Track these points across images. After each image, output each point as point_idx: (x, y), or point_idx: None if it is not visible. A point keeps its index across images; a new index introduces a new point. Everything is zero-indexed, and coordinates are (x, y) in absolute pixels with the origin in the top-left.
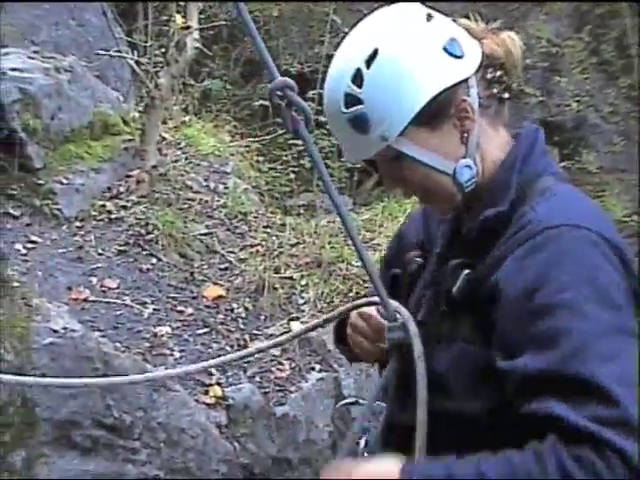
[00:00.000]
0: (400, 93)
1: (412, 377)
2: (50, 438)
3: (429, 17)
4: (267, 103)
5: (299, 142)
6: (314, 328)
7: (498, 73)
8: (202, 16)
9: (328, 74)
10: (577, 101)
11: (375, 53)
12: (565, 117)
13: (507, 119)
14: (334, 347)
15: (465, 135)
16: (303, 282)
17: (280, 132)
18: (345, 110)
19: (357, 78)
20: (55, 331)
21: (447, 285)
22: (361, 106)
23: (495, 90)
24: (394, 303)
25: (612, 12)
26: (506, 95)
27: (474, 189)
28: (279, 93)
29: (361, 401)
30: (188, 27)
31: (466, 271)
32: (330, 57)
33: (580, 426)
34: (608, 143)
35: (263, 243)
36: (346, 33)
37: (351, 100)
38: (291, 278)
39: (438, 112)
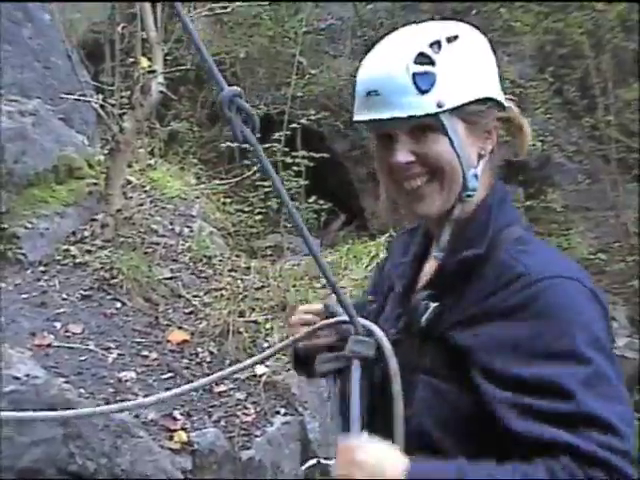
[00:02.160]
0: (468, 75)
1: (375, 395)
2: None
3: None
4: (234, 145)
5: (266, 183)
6: (285, 347)
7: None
8: (168, 58)
9: (390, 38)
10: (541, 141)
11: (456, 37)
12: (530, 156)
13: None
14: (296, 375)
15: (482, 153)
16: (268, 325)
17: (247, 174)
18: (414, 65)
19: (435, 45)
20: (17, 378)
21: (415, 315)
22: (432, 67)
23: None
24: (365, 321)
25: (575, 52)
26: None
27: (462, 211)
28: (229, 103)
29: (323, 461)
30: (153, 71)
31: (435, 304)
32: (296, 98)
33: (591, 451)
34: (572, 182)
35: (228, 287)
36: (312, 74)
37: (423, 59)
38: (256, 322)
39: (479, 115)
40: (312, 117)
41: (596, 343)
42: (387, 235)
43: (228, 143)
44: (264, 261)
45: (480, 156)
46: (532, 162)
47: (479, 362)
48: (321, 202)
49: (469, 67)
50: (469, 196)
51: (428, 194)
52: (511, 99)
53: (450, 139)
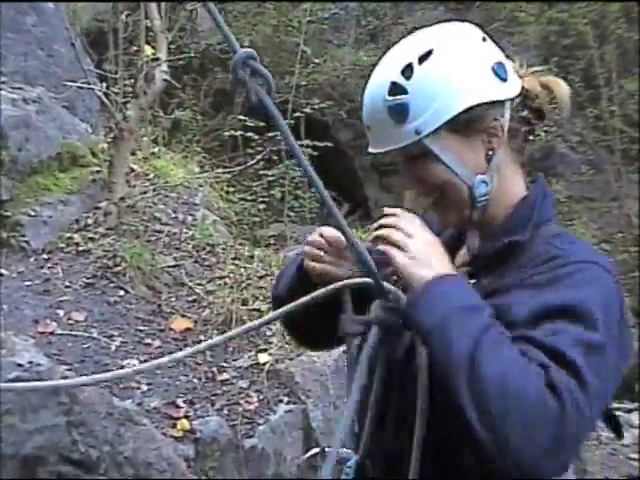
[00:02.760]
0: (442, 94)
1: (395, 374)
2: (15, 474)
3: (484, 39)
4: (237, 134)
5: (269, 172)
6: (298, 305)
7: (529, 114)
8: (172, 46)
9: (380, 63)
10: (545, 131)
11: (430, 53)
12: (534, 147)
13: (526, 162)
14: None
15: (490, 153)
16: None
17: (250, 163)
18: (388, 97)
19: (407, 70)
20: (20, 365)
21: None
22: (405, 96)
23: (523, 128)
24: (391, 287)
25: (579, 43)
26: (530, 137)
27: (488, 212)
28: (242, 65)
29: (327, 449)
30: (157, 59)
31: (473, 281)
32: (299, 87)
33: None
34: (576, 172)
35: (231, 275)
36: (316, 64)
37: (396, 89)
38: (259, 310)
39: (471, 123)
40: (316, 106)
41: (610, 327)
42: None
43: (232, 132)
44: (267, 250)
45: (489, 157)
46: (536, 152)
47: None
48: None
49: (445, 83)
50: (482, 202)
51: (440, 210)
52: (537, 70)
53: (440, 160)
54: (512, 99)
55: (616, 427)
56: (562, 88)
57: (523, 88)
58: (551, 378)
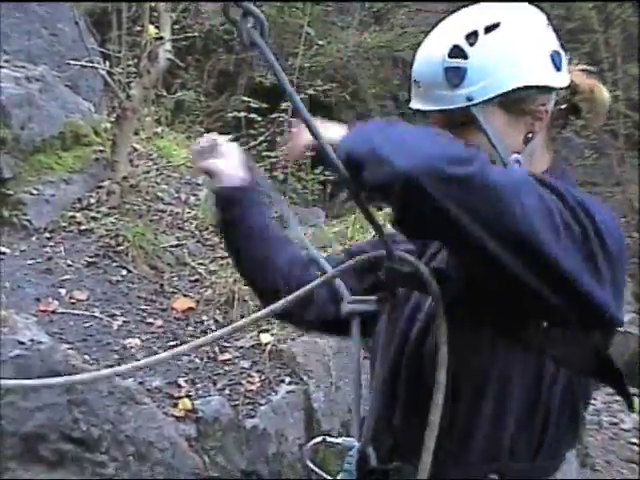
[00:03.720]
0: (501, 67)
1: (405, 354)
2: (16, 452)
3: (548, 25)
4: (240, 115)
5: (272, 154)
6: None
7: (568, 108)
8: (176, 27)
9: (440, 25)
10: None
11: (497, 25)
12: None
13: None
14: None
15: (530, 136)
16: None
17: (253, 144)
18: (447, 59)
19: (472, 36)
20: (22, 343)
21: None
22: (465, 61)
23: (561, 120)
24: (401, 253)
25: (584, 27)
26: (563, 131)
27: None
28: (234, 6)
29: (328, 439)
30: (161, 38)
31: None
32: (303, 69)
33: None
34: (580, 156)
35: None
36: (320, 45)
37: (457, 52)
38: None
39: (520, 102)
40: (319, 88)
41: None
42: None
43: (235, 113)
44: None
45: (528, 139)
46: None
47: None
48: (327, 173)
49: (505, 58)
50: None
51: None
52: (586, 69)
53: (484, 130)
54: (561, 89)
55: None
56: (604, 95)
57: (572, 82)
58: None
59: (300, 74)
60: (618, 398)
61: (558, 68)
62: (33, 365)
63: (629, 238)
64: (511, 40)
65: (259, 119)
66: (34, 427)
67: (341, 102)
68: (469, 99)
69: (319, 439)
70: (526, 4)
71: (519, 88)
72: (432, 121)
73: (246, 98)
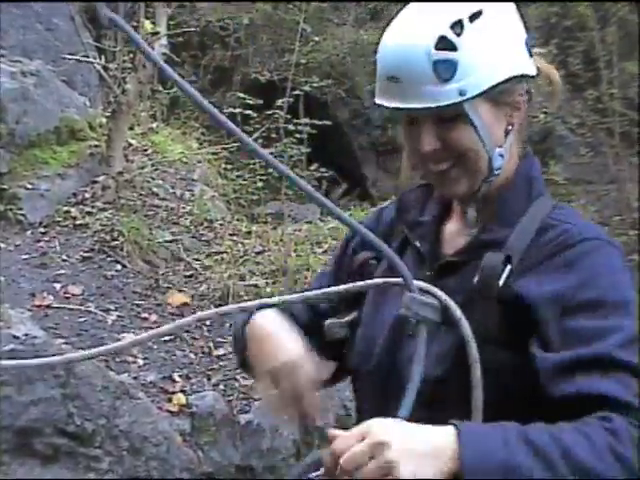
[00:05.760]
0: (490, 58)
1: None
2: (10, 446)
3: (517, 12)
4: (236, 111)
5: (268, 150)
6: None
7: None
8: (172, 22)
9: (411, 13)
10: (544, 113)
11: (480, 13)
12: (532, 129)
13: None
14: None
15: (509, 128)
16: (268, 290)
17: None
18: (434, 51)
19: (457, 26)
20: (16, 337)
21: (490, 278)
22: (454, 53)
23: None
24: (422, 283)
25: (580, 24)
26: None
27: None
28: None
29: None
30: (156, 33)
31: (510, 266)
32: (299, 65)
33: (629, 399)
34: (575, 154)
35: (228, 251)
36: (316, 42)
37: (445, 44)
38: (256, 286)
39: (504, 93)
40: (315, 84)
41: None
42: (388, 202)
43: (230, 109)
44: (265, 226)
45: (507, 131)
46: (535, 134)
47: (538, 318)
48: (323, 170)
49: (493, 48)
50: (495, 175)
51: (454, 177)
52: (540, 53)
53: (474, 125)
54: (533, 76)
55: None
56: (557, 77)
57: (537, 68)
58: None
59: (296, 71)
60: None
61: (530, 54)
62: (27, 359)
63: (625, 236)
64: (496, 29)
65: (255, 115)
66: (28, 421)
67: (337, 99)
68: (461, 94)
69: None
70: None
71: (505, 79)
72: (406, 118)
73: (241, 94)
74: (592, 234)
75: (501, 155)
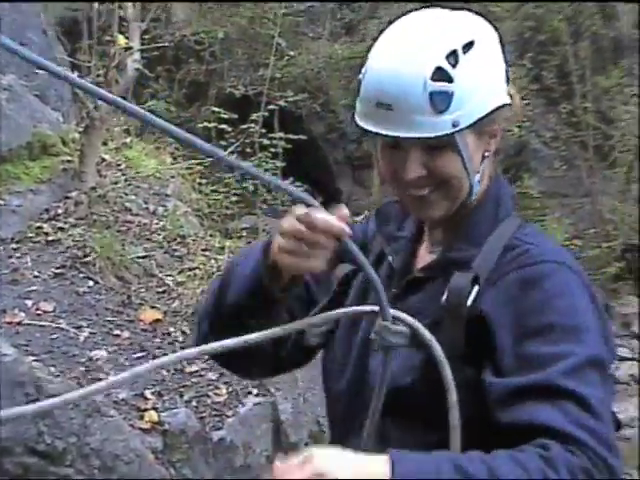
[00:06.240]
0: (482, 89)
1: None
2: None
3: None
4: (211, 125)
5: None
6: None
7: None
8: (147, 37)
9: (403, 43)
10: (519, 126)
11: (472, 43)
12: (507, 142)
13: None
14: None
15: (486, 155)
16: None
17: (223, 154)
18: (431, 82)
19: (452, 57)
20: None
21: (458, 298)
22: (450, 85)
23: None
24: (396, 312)
25: (554, 39)
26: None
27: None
28: None
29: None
30: (130, 48)
31: (477, 287)
32: (274, 79)
33: (581, 438)
34: (549, 168)
35: (201, 266)
36: (291, 56)
37: (441, 75)
38: None
39: (488, 123)
40: (290, 99)
41: (594, 328)
42: (362, 217)
43: (205, 123)
44: (239, 241)
45: (484, 157)
46: (510, 148)
47: (495, 343)
48: (298, 184)
49: (484, 79)
50: (472, 200)
51: (433, 202)
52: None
53: (461, 155)
54: (510, 104)
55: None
56: (518, 100)
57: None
58: (569, 437)
59: (271, 85)
60: None
61: (508, 82)
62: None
63: (598, 249)
64: (485, 59)
65: (229, 129)
66: None
67: (312, 113)
68: (454, 125)
69: None
70: (478, 16)
71: (493, 109)
72: (387, 141)
73: (216, 109)
74: (552, 257)
75: (479, 181)
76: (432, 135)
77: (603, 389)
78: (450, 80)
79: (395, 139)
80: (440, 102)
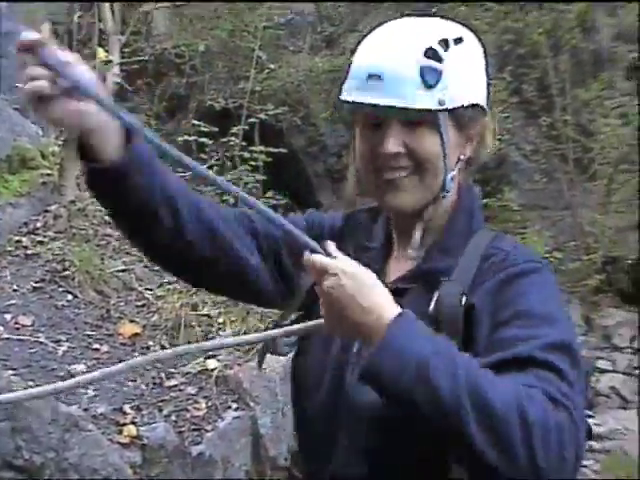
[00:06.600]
0: (469, 79)
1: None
2: None
3: None
4: (191, 139)
5: (223, 177)
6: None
7: None
8: (127, 50)
9: (399, 28)
10: (499, 139)
11: (461, 39)
12: (487, 155)
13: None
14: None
15: (461, 157)
16: (220, 320)
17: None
18: (423, 57)
19: (443, 43)
20: None
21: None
22: (440, 64)
23: None
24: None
25: (533, 52)
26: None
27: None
28: None
29: None
30: (110, 61)
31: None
32: (254, 93)
33: (560, 400)
34: (529, 180)
35: (180, 281)
36: (271, 69)
37: (432, 54)
38: (208, 316)
39: (469, 121)
40: (270, 112)
41: (568, 321)
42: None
43: (186, 137)
44: None
45: (459, 160)
46: (490, 160)
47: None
48: (278, 197)
49: (469, 71)
50: (444, 197)
51: (407, 186)
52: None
53: (442, 137)
54: (486, 114)
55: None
56: (494, 119)
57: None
58: (549, 392)
59: (251, 98)
60: None
61: (488, 94)
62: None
63: (578, 261)
64: (472, 57)
65: (210, 143)
66: None
67: (292, 126)
68: (440, 103)
69: None
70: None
71: (472, 105)
72: (369, 121)
73: (197, 122)
74: (531, 258)
75: (452, 179)
76: (419, 107)
77: (577, 372)
78: (440, 60)
79: (378, 110)
80: (430, 77)
